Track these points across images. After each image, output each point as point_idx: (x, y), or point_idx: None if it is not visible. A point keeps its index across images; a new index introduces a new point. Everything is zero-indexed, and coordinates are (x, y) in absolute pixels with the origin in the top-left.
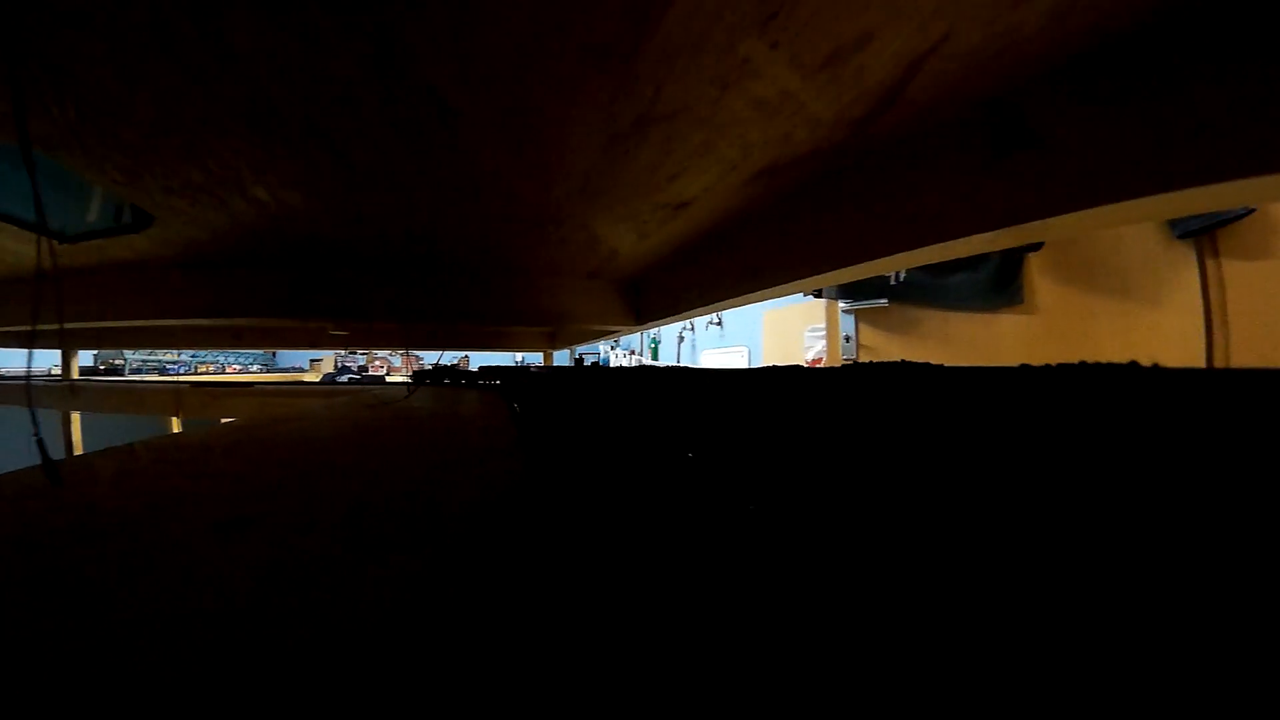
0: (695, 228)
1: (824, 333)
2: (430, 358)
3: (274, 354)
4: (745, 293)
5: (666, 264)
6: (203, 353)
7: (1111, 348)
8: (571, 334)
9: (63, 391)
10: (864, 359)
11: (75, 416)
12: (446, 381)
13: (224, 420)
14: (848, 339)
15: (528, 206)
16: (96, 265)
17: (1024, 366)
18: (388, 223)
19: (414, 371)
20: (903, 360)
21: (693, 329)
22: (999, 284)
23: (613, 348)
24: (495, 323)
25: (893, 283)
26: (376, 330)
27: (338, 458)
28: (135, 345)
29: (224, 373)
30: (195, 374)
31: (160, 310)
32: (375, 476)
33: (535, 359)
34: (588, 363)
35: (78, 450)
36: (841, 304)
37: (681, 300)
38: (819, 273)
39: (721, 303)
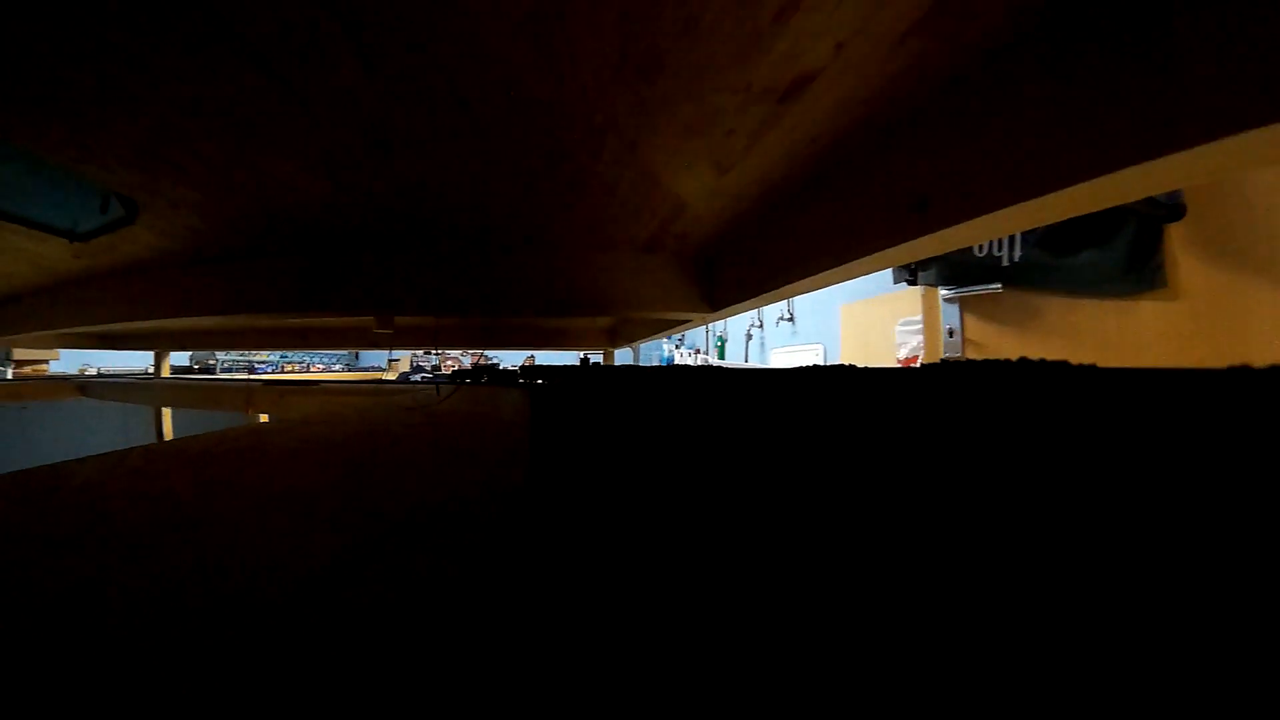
0: (808, 140)
1: (920, 326)
2: (501, 357)
3: (357, 355)
4: (908, 238)
5: (754, 218)
6: (291, 353)
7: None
8: (633, 328)
9: (155, 389)
10: (973, 355)
11: (166, 411)
12: (484, 380)
13: (261, 419)
14: (951, 333)
15: (543, 111)
16: (116, 267)
17: (1176, 371)
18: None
19: (454, 371)
20: (1022, 359)
21: (761, 325)
22: (1134, 262)
23: (676, 346)
24: (532, 312)
25: (1005, 263)
26: (437, 328)
27: (312, 477)
28: (210, 347)
29: (308, 371)
30: (280, 373)
31: (177, 309)
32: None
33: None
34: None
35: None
36: (943, 291)
37: (776, 271)
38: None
39: (837, 269)
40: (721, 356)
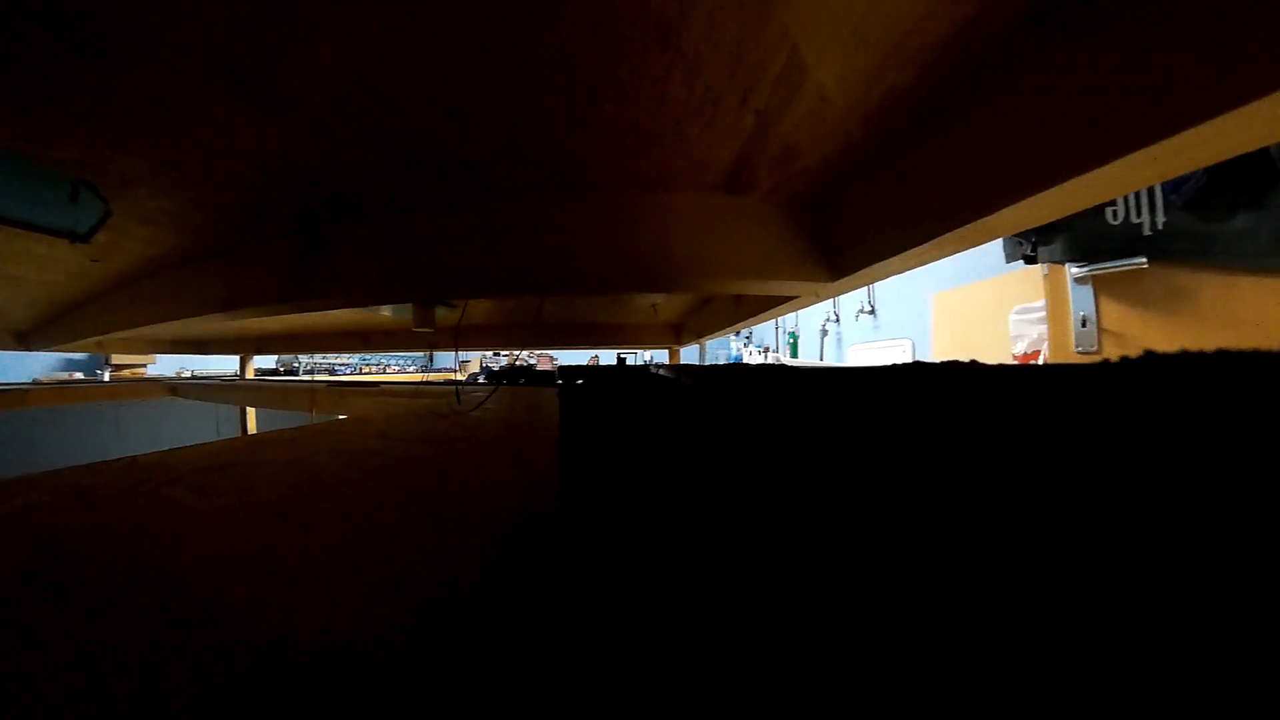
0: None
1: (1041, 314)
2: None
3: (431, 357)
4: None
5: (900, 126)
6: (371, 356)
7: None
8: (705, 318)
9: (234, 390)
10: (1112, 353)
11: (251, 410)
12: (522, 381)
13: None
14: (1084, 322)
15: None
16: (127, 272)
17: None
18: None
19: (489, 371)
20: (1200, 352)
21: (838, 319)
22: None
23: (745, 343)
24: (547, 288)
25: (1147, 231)
26: (475, 328)
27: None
28: (280, 351)
29: (384, 373)
30: (358, 374)
31: (179, 309)
32: None
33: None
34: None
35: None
36: (1072, 269)
37: (942, 206)
38: None
39: (1050, 197)
40: (794, 354)
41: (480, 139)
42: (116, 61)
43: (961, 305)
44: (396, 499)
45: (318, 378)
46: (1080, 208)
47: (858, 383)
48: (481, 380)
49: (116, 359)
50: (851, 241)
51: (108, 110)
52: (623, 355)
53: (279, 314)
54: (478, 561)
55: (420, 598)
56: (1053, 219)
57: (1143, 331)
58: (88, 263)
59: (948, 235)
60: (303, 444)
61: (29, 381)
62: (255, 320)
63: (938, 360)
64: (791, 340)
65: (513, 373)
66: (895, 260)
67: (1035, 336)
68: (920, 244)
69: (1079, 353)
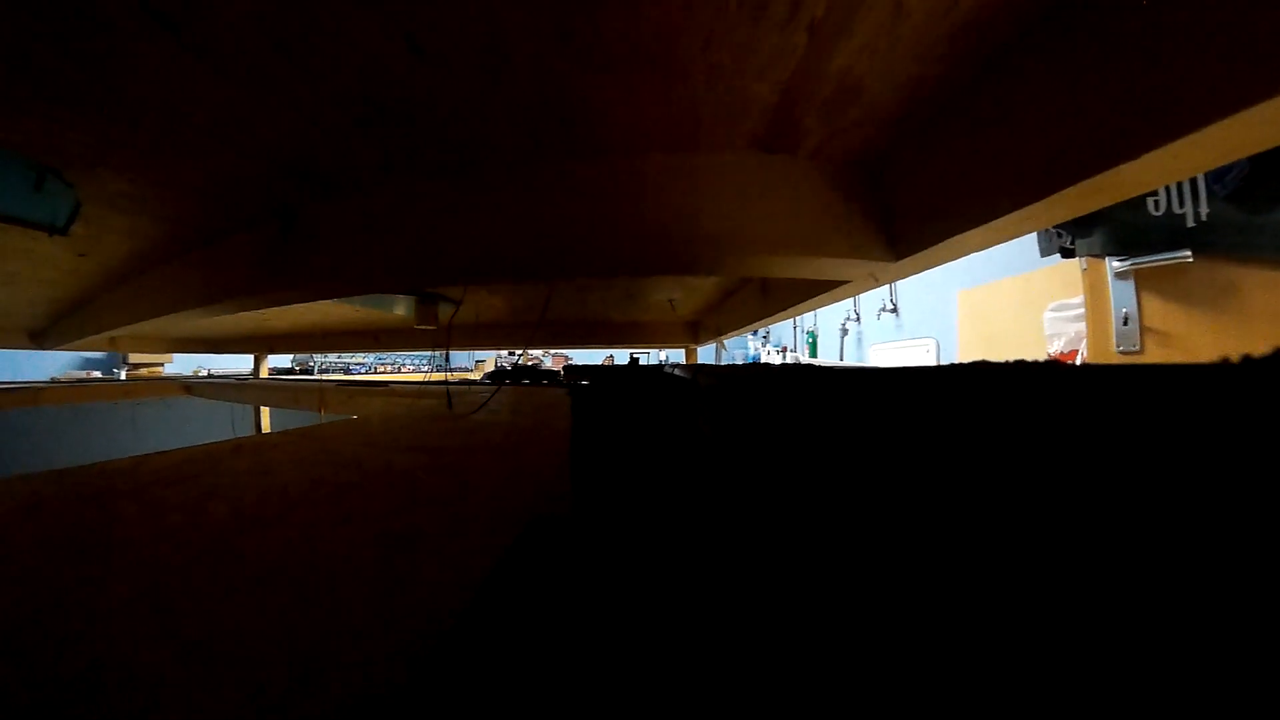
0: None
1: (1079, 311)
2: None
3: (447, 356)
4: None
5: (1003, 33)
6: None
7: None
8: (724, 317)
9: (245, 389)
10: (1155, 353)
11: (265, 409)
12: (526, 382)
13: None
14: (1126, 320)
15: None
16: (114, 269)
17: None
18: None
19: (491, 371)
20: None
21: (858, 318)
22: None
23: (764, 342)
24: (547, 271)
25: (1191, 223)
26: (483, 326)
27: None
28: (289, 350)
29: (399, 373)
30: (373, 373)
31: (163, 305)
32: None
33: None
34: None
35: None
36: (1114, 263)
37: (1032, 165)
38: None
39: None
40: (813, 354)
41: (451, 79)
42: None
43: (988, 303)
44: (340, 538)
45: (331, 377)
46: (1265, 146)
47: (916, 385)
48: (485, 381)
49: (134, 358)
50: (919, 210)
51: (46, 81)
52: (636, 355)
53: (254, 307)
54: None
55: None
56: (1219, 164)
57: (1187, 329)
58: (75, 258)
59: (1064, 193)
60: (282, 450)
61: (46, 380)
62: (262, 318)
63: (966, 360)
64: (810, 340)
65: (515, 373)
66: (977, 233)
67: (1072, 335)
68: (1020, 208)
69: (1120, 352)
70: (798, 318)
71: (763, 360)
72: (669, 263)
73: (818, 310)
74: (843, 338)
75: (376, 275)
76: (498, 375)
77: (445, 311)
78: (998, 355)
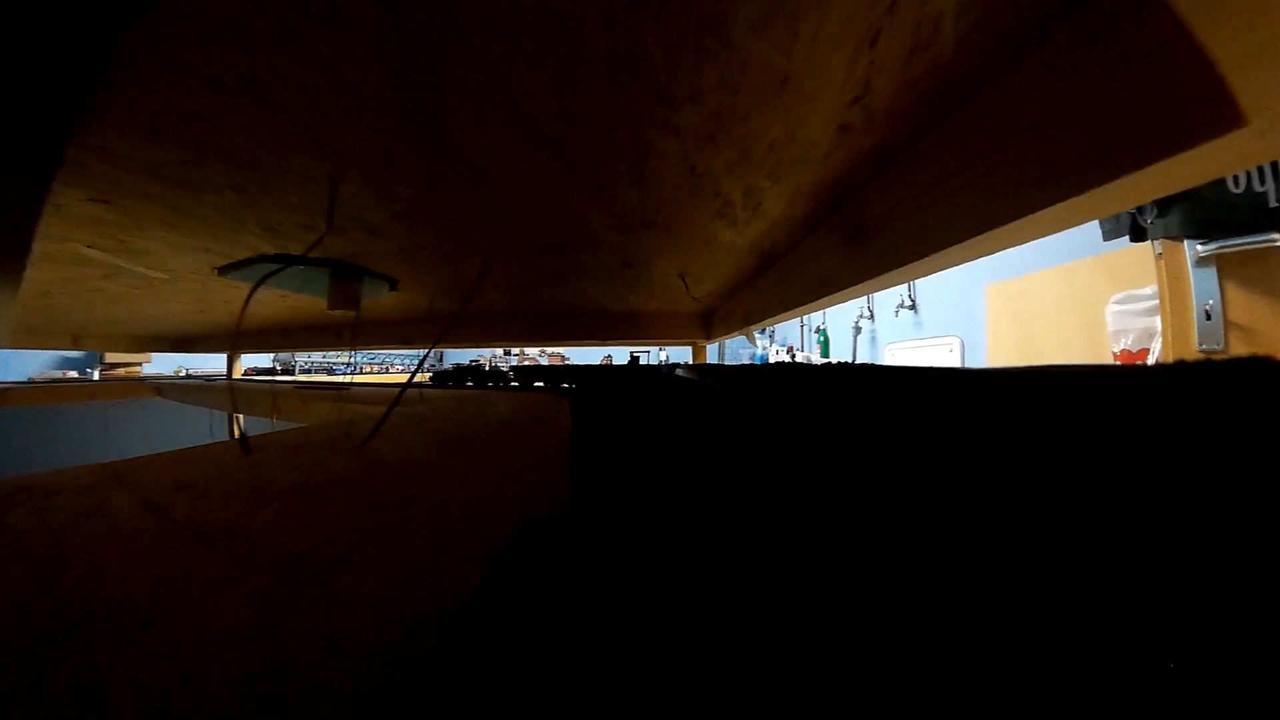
0: None
1: (1152, 304)
2: (572, 355)
3: (441, 356)
4: None
5: None
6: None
7: None
8: (755, 294)
9: (208, 391)
10: (1240, 352)
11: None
12: (469, 384)
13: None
14: (1208, 314)
15: None
16: None
17: None
18: None
19: (434, 373)
20: None
21: (872, 316)
22: None
23: (769, 341)
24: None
25: (1274, 203)
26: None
27: None
28: (258, 349)
29: (386, 373)
30: (360, 374)
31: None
32: None
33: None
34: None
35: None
36: (1197, 247)
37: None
38: None
39: None
40: (825, 355)
41: None
42: None
43: (1023, 298)
44: None
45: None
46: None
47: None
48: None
49: (110, 357)
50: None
51: None
52: (636, 354)
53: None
54: None
55: None
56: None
57: (1272, 325)
58: None
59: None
60: (134, 481)
61: (25, 380)
62: (225, 315)
63: (997, 364)
64: (822, 339)
65: (458, 374)
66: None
67: (1141, 330)
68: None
69: (1202, 351)
70: (805, 316)
71: (770, 360)
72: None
73: (826, 310)
74: (855, 337)
75: None
76: (442, 377)
77: (373, 291)
78: (1036, 355)
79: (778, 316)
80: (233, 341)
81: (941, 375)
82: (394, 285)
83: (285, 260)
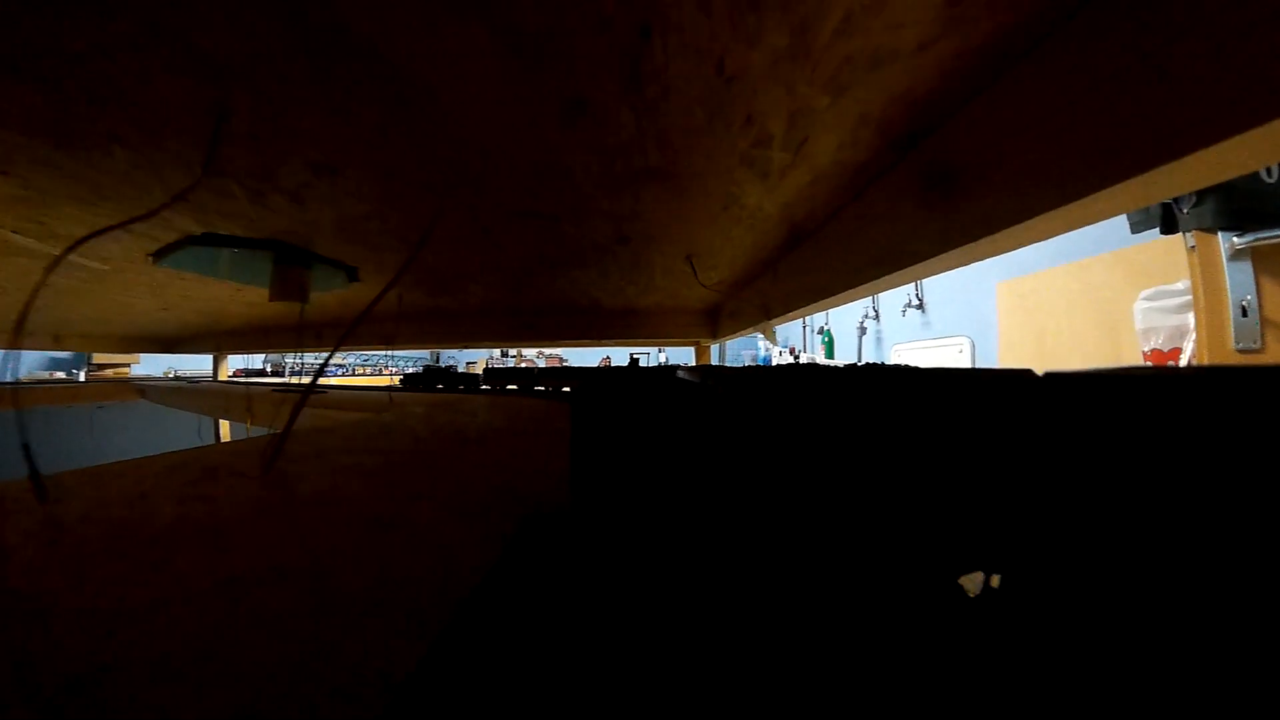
0: None
1: (1184, 300)
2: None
3: (437, 357)
4: None
5: None
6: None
7: None
8: (775, 282)
9: (186, 394)
10: (1277, 351)
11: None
12: (440, 387)
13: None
14: (1245, 311)
15: None
16: None
17: None
18: None
19: (404, 375)
20: None
21: (877, 316)
22: None
23: (771, 343)
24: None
25: None
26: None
27: None
28: (238, 350)
29: (381, 374)
30: (353, 375)
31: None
32: None
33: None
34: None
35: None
36: (1233, 239)
37: None
38: None
39: None
40: (829, 355)
41: None
42: None
43: (1037, 295)
44: None
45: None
46: None
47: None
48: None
49: (98, 358)
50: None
51: None
52: (636, 355)
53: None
54: None
55: None
56: None
57: None
58: None
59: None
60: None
61: (12, 381)
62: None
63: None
64: (826, 339)
65: (428, 376)
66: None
67: (1172, 328)
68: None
69: (1238, 350)
70: (808, 317)
71: (774, 363)
72: None
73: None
74: (860, 337)
75: None
76: (413, 380)
77: (326, 281)
78: (1051, 354)
79: (809, 307)
80: (216, 342)
81: (994, 378)
82: (353, 275)
83: (214, 241)
